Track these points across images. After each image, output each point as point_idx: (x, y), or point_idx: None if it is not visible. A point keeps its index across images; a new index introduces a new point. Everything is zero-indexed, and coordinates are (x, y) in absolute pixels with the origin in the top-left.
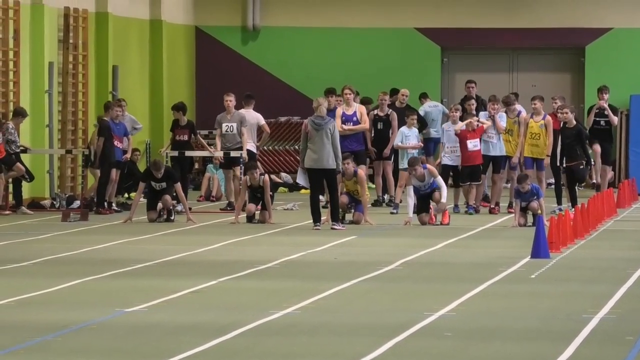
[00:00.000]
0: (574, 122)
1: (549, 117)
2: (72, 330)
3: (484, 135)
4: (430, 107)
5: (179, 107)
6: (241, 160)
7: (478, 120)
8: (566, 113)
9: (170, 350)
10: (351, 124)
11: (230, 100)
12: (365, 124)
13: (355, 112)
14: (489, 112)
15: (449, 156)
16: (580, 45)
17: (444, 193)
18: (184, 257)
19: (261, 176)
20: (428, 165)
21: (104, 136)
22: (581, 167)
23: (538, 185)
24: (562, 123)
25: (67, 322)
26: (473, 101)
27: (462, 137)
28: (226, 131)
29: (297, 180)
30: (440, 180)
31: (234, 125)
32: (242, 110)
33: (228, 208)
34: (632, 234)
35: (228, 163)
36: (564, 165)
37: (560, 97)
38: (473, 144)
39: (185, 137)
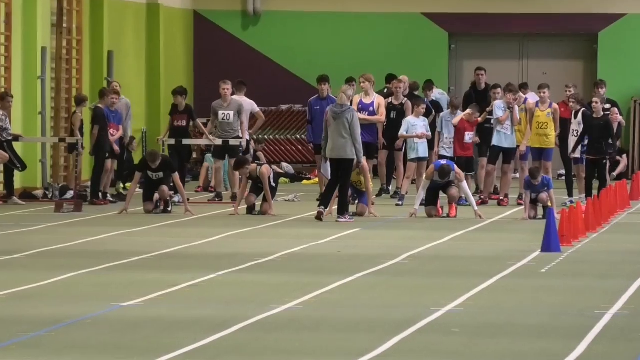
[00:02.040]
0: (602, 113)
1: (555, 105)
2: (66, 324)
3: (498, 126)
4: (441, 95)
5: (179, 92)
6: (240, 149)
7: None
8: (596, 103)
9: (167, 345)
10: (367, 113)
11: (227, 88)
12: (382, 116)
13: (372, 102)
14: (508, 103)
15: (447, 147)
16: (592, 32)
17: (466, 191)
18: (182, 250)
19: (258, 167)
20: (456, 168)
21: (99, 125)
22: (604, 161)
23: (547, 176)
24: (573, 112)
25: (61, 317)
26: (499, 89)
27: (460, 127)
28: (222, 119)
29: (322, 171)
30: (465, 186)
31: (230, 113)
32: (235, 97)
33: (216, 199)
34: None
35: (223, 152)
36: (585, 156)
37: (573, 85)
38: (469, 137)
39: (184, 123)
